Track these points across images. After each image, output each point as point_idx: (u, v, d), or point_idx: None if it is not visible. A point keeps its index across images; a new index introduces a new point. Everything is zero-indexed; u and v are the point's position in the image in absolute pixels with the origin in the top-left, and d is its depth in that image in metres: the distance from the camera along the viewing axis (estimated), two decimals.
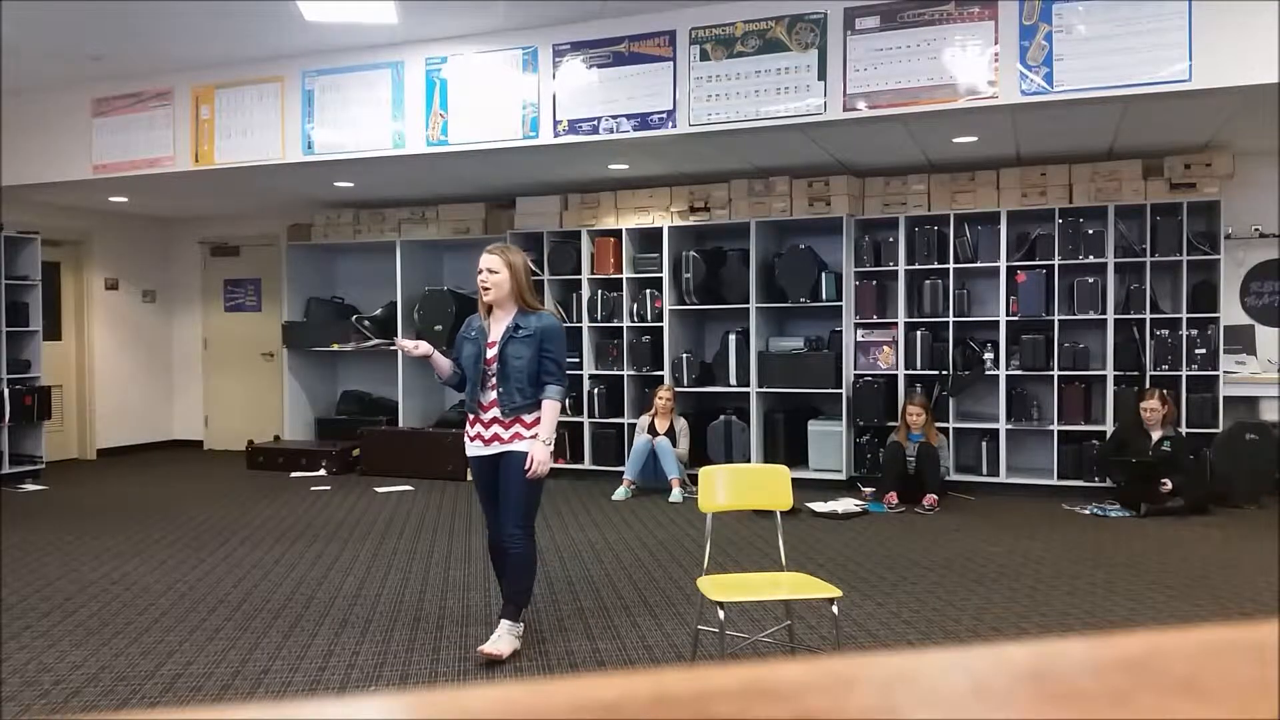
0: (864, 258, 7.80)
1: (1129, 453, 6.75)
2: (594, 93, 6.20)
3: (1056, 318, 7.35)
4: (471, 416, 4.00)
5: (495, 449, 3.94)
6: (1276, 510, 6.51)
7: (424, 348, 3.96)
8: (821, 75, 5.75)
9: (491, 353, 3.93)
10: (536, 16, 6.12)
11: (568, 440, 8.51)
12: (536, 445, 3.87)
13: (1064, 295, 7.35)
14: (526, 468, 3.84)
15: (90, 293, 10.09)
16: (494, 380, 3.91)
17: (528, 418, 3.91)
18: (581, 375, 8.46)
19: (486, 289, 3.93)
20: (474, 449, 4.00)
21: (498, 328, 3.96)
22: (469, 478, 8.21)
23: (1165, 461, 6.61)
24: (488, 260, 3.95)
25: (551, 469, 3.99)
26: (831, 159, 7.36)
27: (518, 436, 3.90)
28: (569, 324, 8.55)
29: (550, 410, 3.92)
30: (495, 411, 3.91)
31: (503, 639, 3.86)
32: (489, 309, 4.00)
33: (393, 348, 4.04)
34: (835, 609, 3.41)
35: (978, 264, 7.57)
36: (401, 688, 3.46)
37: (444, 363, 4.02)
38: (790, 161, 7.45)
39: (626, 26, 6.11)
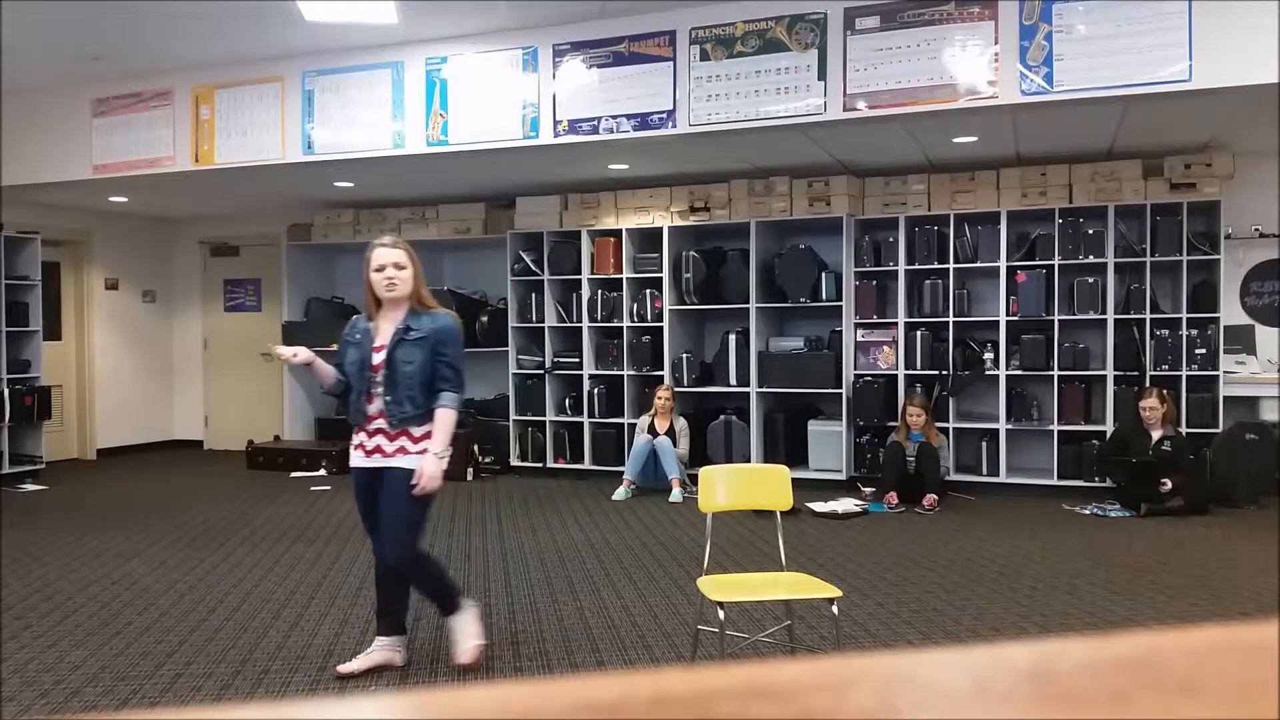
0: (864, 258, 7.80)
1: (1129, 453, 6.75)
2: (594, 93, 6.20)
3: (1056, 318, 7.35)
4: (356, 427, 3.65)
5: (376, 461, 3.58)
6: (1276, 510, 6.51)
7: (304, 355, 3.57)
8: (821, 75, 5.75)
9: (378, 357, 3.56)
10: (536, 16, 6.12)
11: (568, 440, 8.52)
12: (427, 459, 3.51)
13: (1064, 295, 7.35)
14: (414, 483, 3.48)
15: (90, 293, 10.09)
16: (380, 388, 3.55)
17: (416, 430, 3.55)
18: (582, 375, 8.47)
19: (394, 286, 3.54)
20: (355, 459, 3.66)
21: (386, 329, 3.59)
22: (469, 477, 8.29)
23: (1165, 461, 6.61)
24: (392, 255, 3.56)
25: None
26: (831, 159, 7.36)
27: (402, 451, 3.55)
28: (569, 324, 8.56)
29: (444, 420, 3.55)
30: (382, 422, 3.56)
31: (465, 636, 3.67)
32: (378, 307, 3.63)
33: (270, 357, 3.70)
34: (835, 609, 3.41)
35: (978, 264, 7.57)
36: (401, 688, 3.46)
37: (327, 370, 3.64)
38: (790, 161, 7.45)
39: (626, 26, 6.11)
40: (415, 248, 10.14)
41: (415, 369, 3.52)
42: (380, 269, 3.56)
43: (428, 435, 3.56)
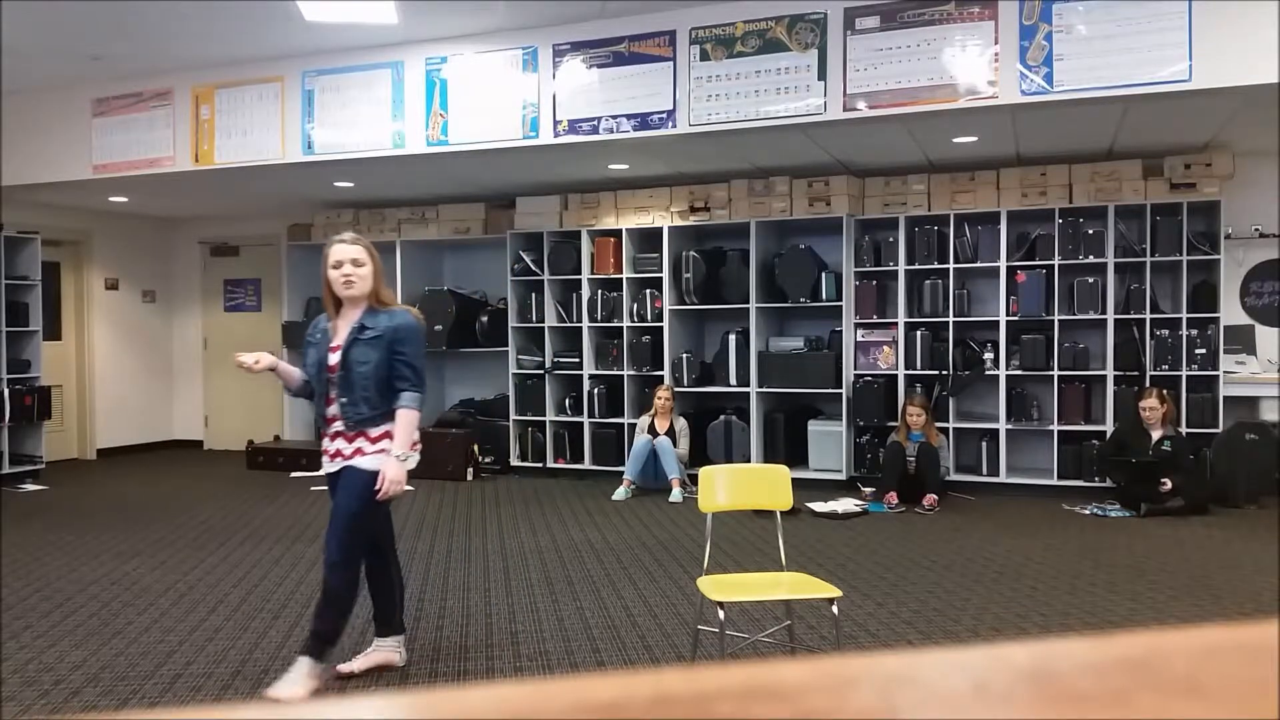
0: (864, 258, 7.80)
1: (1129, 453, 6.75)
2: (594, 93, 6.20)
3: (1056, 318, 7.35)
4: (321, 432, 3.56)
5: (337, 465, 3.47)
6: (1276, 510, 6.51)
7: (265, 360, 3.45)
8: (821, 75, 5.75)
9: (334, 357, 3.44)
10: (536, 16, 6.12)
11: (568, 440, 8.52)
12: (389, 462, 3.37)
13: (1064, 295, 7.35)
14: (377, 487, 3.36)
15: (90, 293, 10.10)
16: (336, 389, 3.43)
17: (374, 431, 3.42)
18: (582, 375, 8.47)
19: (351, 283, 3.43)
20: (324, 465, 3.55)
21: (343, 328, 3.48)
22: (469, 477, 8.28)
23: (1165, 461, 6.61)
24: (351, 251, 3.45)
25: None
26: (831, 159, 7.36)
27: (359, 452, 3.43)
28: (569, 324, 8.56)
29: (405, 420, 3.41)
30: (340, 424, 3.45)
31: (298, 682, 3.40)
32: (338, 307, 3.52)
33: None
34: (835, 609, 3.41)
35: (978, 264, 7.57)
36: (401, 688, 3.46)
37: (292, 372, 3.58)
38: (790, 161, 7.45)
39: (626, 26, 6.11)
40: (415, 248, 10.09)
41: (370, 369, 3.40)
42: (338, 265, 3.45)
43: (385, 435, 3.44)
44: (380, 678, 3.64)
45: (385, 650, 3.68)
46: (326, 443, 3.52)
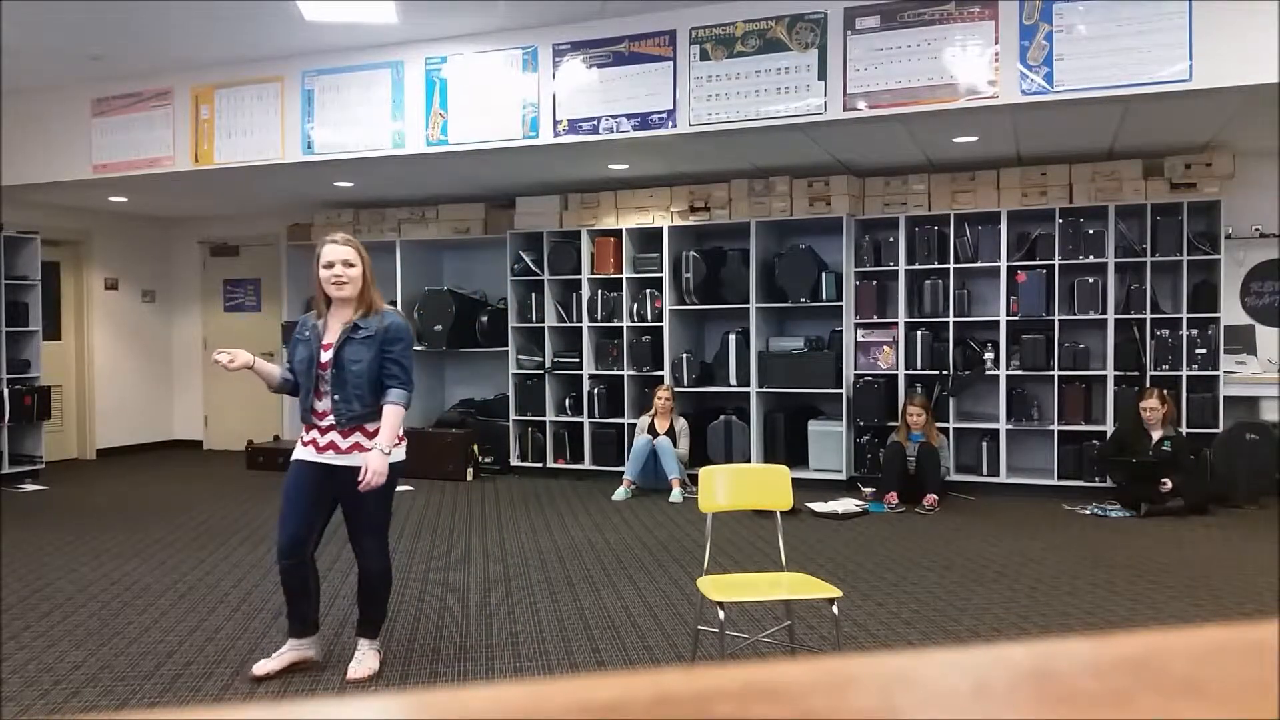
0: (864, 258, 7.80)
1: (1129, 453, 6.75)
2: (594, 93, 6.20)
3: (1057, 318, 7.35)
4: (306, 425, 3.63)
5: (329, 458, 3.56)
6: (1276, 510, 6.51)
7: (241, 358, 3.49)
8: (821, 75, 5.75)
9: (326, 355, 3.55)
10: (536, 16, 6.12)
11: (568, 440, 8.52)
12: (373, 456, 3.46)
13: (1064, 295, 7.35)
14: (360, 479, 3.45)
15: (90, 293, 10.09)
16: (328, 386, 3.54)
17: (371, 426, 3.55)
18: (582, 375, 8.47)
19: (343, 284, 3.52)
20: (303, 453, 3.62)
21: (335, 327, 3.58)
22: (469, 477, 8.28)
23: (1165, 461, 6.61)
24: (342, 252, 3.53)
25: (388, 478, 3.48)
26: (831, 159, 7.36)
27: (358, 448, 3.55)
28: (569, 324, 8.56)
29: (392, 416, 3.51)
30: (331, 420, 3.55)
31: (366, 658, 3.69)
32: (328, 306, 3.60)
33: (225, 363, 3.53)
34: (835, 609, 3.41)
35: (978, 264, 7.57)
36: (401, 688, 3.46)
37: (270, 369, 3.63)
38: (790, 161, 7.45)
39: (626, 26, 6.11)
40: (415, 248, 10.07)
41: (363, 368, 3.52)
42: (329, 265, 3.53)
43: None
44: (379, 679, 3.63)
45: (302, 649, 3.70)
46: (316, 435, 3.60)
